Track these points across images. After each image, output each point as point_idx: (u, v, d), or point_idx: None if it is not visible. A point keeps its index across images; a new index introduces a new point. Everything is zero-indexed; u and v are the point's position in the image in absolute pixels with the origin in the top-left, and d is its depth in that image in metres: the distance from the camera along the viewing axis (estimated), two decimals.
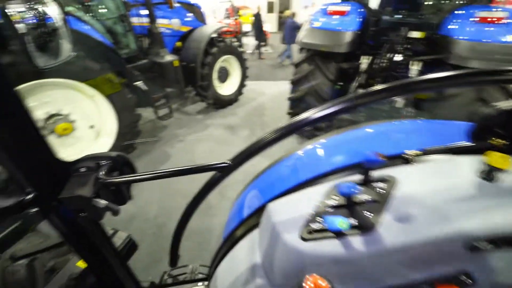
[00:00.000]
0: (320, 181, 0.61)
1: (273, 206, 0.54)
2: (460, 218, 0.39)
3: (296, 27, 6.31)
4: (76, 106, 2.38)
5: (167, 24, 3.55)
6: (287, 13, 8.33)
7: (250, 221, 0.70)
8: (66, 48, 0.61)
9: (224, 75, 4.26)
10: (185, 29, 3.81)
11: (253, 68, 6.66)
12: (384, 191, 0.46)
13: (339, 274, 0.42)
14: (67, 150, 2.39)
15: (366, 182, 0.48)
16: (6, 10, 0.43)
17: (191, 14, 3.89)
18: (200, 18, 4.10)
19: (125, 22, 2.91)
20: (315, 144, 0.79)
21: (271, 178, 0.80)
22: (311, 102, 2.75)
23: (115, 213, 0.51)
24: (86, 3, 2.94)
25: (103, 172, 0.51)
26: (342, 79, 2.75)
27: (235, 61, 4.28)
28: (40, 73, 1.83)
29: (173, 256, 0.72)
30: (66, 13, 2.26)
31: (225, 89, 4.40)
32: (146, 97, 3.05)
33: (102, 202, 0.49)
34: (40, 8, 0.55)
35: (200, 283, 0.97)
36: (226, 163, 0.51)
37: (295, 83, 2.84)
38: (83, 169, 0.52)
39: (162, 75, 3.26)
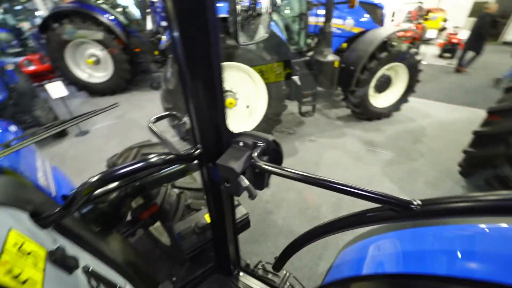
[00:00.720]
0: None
1: None
2: None
3: None
4: (243, 87, 2.88)
5: (339, 24, 3.49)
6: None
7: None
8: (262, 31, 0.67)
9: (383, 84, 3.71)
10: (356, 30, 3.60)
11: (431, 83, 5.41)
12: None
13: None
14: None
15: None
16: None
17: (367, 15, 3.60)
18: (377, 20, 3.71)
19: (303, 20, 3.12)
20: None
21: (402, 245, 0.55)
22: None
23: (252, 196, 0.49)
24: (277, 5, 3.45)
25: (256, 154, 0.49)
26: None
27: (405, 70, 3.60)
28: (228, 57, 2.35)
29: (280, 262, 0.66)
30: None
31: (380, 100, 3.85)
32: (297, 91, 3.22)
33: (245, 182, 0.48)
34: None
35: None
36: (413, 204, 0.34)
37: (497, 114, 1.97)
38: (241, 144, 0.53)
39: (318, 73, 3.29)
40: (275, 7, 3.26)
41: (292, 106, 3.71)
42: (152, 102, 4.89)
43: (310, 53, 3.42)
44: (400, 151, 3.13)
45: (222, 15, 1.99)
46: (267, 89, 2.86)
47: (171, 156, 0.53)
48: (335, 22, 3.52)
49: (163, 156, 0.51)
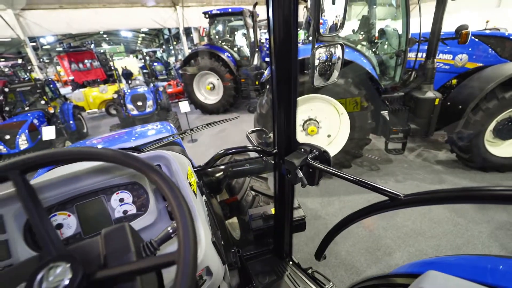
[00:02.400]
0: None
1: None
2: None
3: None
4: (326, 117, 3.06)
5: (448, 59, 3.19)
6: None
7: None
8: (335, 76, 0.89)
9: (509, 130, 3.01)
10: (471, 65, 3.17)
11: None
12: None
13: None
14: None
15: None
16: (315, 51, 0.78)
17: (490, 49, 3.12)
18: (505, 54, 3.15)
19: (401, 57, 3.06)
20: None
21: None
22: None
23: (303, 185, 0.71)
24: (375, 40, 3.53)
25: (310, 156, 0.72)
26: None
27: None
28: (315, 89, 2.61)
29: (320, 252, 0.81)
30: (353, 48, 2.90)
31: (503, 148, 3.11)
32: (385, 127, 3.09)
33: (300, 174, 0.71)
34: (332, 49, 0.87)
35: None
36: (399, 195, 0.49)
37: None
38: (302, 150, 0.78)
39: (413, 109, 3.07)
40: (374, 43, 3.37)
41: (380, 143, 3.53)
42: (246, 123, 5.73)
43: (406, 88, 3.25)
44: None
45: (303, 56, 2.37)
46: (350, 121, 2.93)
47: (259, 150, 0.83)
48: (442, 57, 3.25)
49: (258, 148, 0.83)
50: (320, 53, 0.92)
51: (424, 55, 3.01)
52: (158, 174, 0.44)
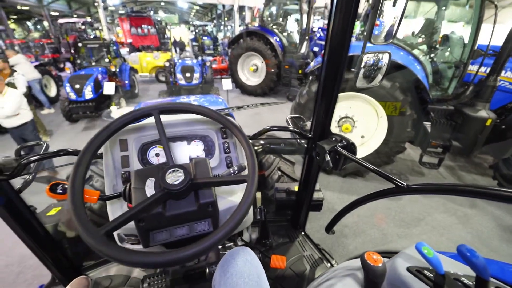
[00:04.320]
0: None
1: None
2: None
3: None
4: (364, 117, 3.05)
5: None
6: None
7: None
8: (378, 79, 0.98)
9: None
10: None
11: None
12: None
13: None
14: None
15: None
16: (363, 56, 0.88)
17: None
18: None
19: (460, 68, 2.87)
20: None
21: None
22: None
23: (329, 168, 0.87)
24: (436, 46, 3.31)
25: (338, 145, 0.87)
26: None
27: None
28: (358, 89, 2.61)
29: (330, 226, 0.98)
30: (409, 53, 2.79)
31: None
32: (425, 138, 2.99)
33: (327, 157, 0.86)
34: (380, 55, 0.96)
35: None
36: (403, 184, 0.63)
37: None
38: (333, 138, 0.92)
39: (460, 126, 2.91)
40: (435, 49, 3.18)
41: (416, 154, 3.42)
42: (280, 110, 5.84)
43: (457, 103, 3.06)
44: None
45: (352, 53, 2.35)
46: (388, 126, 2.89)
47: (298, 132, 1.00)
48: (510, 75, 2.96)
49: (297, 130, 1.00)
50: (368, 57, 1.02)
51: (488, 69, 2.78)
52: (238, 129, 0.72)
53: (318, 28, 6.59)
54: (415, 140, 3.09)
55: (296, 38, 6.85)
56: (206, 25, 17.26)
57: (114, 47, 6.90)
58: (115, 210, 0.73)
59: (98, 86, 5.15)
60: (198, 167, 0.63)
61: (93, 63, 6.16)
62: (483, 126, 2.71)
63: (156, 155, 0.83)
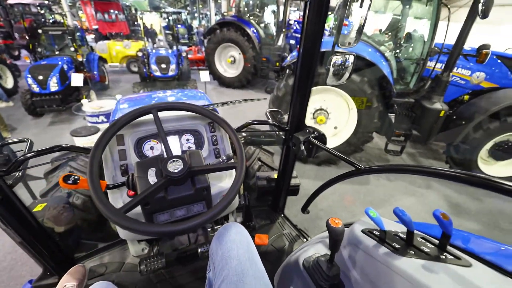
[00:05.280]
0: None
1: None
2: None
3: None
4: (337, 110, 3.27)
5: (464, 75, 3.29)
6: None
7: None
8: (345, 77, 1.12)
9: (505, 153, 3.20)
10: (486, 85, 3.27)
11: None
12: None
13: None
14: None
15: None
16: (332, 58, 1.00)
17: (508, 73, 3.20)
18: None
19: (420, 65, 3.18)
20: None
21: None
22: None
23: (302, 155, 1.00)
24: (401, 43, 3.60)
25: (311, 136, 1.00)
26: None
27: None
28: None
29: (305, 207, 1.12)
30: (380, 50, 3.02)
31: (494, 168, 3.32)
32: (389, 128, 3.30)
33: (302, 147, 0.99)
34: (347, 56, 1.09)
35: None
36: (361, 167, 0.77)
37: None
38: (307, 130, 1.05)
39: (419, 117, 3.26)
40: (399, 46, 3.46)
41: (382, 143, 3.75)
42: (259, 103, 5.93)
43: (417, 96, 3.39)
44: (491, 230, 2.69)
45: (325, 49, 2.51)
46: (357, 118, 3.14)
47: (276, 125, 1.11)
48: (461, 72, 3.34)
49: (276, 123, 1.11)
50: (337, 58, 1.15)
51: (443, 66, 3.12)
52: (226, 124, 0.87)
53: (294, 21, 6.71)
54: (381, 130, 3.40)
55: (273, 30, 6.91)
56: (180, 13, 16.51)
57: (79, 34, 6.41)
58: (115, 198, 0.81)
59: (64, 78, 4.81)
60: (192, 158, 0.72)
61: (57, 52, 5.70)
62: (437, 117, 3.07)
63: (151, 148, 0.90)
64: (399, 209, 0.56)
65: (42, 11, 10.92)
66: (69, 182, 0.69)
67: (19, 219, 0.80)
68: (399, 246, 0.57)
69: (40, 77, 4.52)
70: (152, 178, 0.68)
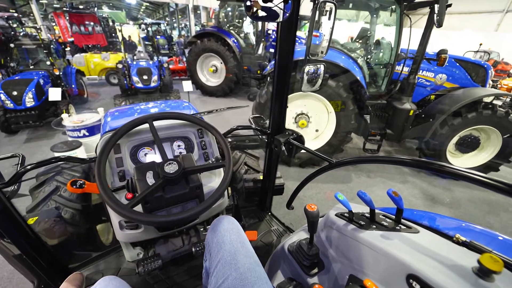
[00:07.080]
0: None
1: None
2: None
3: None
4: (317, 114, 3.46)
5: (429, 77, 3.61)
6: None
7: None
8: (318, 84, 1.26)
9: (469, 145, 3.52)
10: (448, 85, 3.61)
11: None
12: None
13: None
14: None
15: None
16: (305, 67, 1.14)
17: (466, 74, 3.56)
18: (478, 79, 3.61)
19: (388, 69, 3.46)
20: None
21: None
22: None
23: (284, 156, 1.11)
24: (370, 50, 3.90)
25: (291, 137, 1.11)
26: None
27: (497, 137, 3.33)
28: None
29: (289, 203, 1.23)
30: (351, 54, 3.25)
31: (461, 160, 3.63)
32: (365, 129, 3.53)
33: (283, 148, 1.10)
34: (318, 65, 1.23)
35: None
36: (333, 161, 0.89)
37: None
38: (287, 133, 1.17)
39: (392, 118, 3.51)
40: (370, 52, 3.74)
41: (360, 143, 3.98)
42: (242, 111, 6.05)
43: (389, 97, 3.67)
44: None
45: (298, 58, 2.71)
46: (336, 120, 3.33)
47: (259, 129, 1.21)
48: (425, 74, 3.66)
49: (258, 128, 1.21)
50: (309, 67, 1.29)
51: (409, 69, 3.42)
52: (215, 129, 0.97)
53: (273, 31, 6.97)
54: (358, 131, 3.62)
55: (253, 39, 7.13)
56: (159, 24, 16.49)
57: (55, 48, 6.24)
58: None
59: (40, 93, 4.67)
60: (185, 160, 0.81)
61: (31, 66, 5.51)
62: (407, 116, 3.33)
63: (145, 155, 0.98)
64: (361, 192, 0.67)
65: (12, 24, 10.48)
66: (75, 186, 0.76)
67: (17, 230, 0.83)
68: (364, 223, 0.68)
69: (15, 93, 4.36)
70: (150, 180, 0.76)
